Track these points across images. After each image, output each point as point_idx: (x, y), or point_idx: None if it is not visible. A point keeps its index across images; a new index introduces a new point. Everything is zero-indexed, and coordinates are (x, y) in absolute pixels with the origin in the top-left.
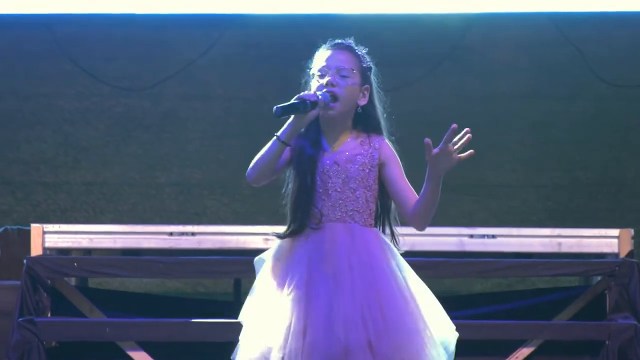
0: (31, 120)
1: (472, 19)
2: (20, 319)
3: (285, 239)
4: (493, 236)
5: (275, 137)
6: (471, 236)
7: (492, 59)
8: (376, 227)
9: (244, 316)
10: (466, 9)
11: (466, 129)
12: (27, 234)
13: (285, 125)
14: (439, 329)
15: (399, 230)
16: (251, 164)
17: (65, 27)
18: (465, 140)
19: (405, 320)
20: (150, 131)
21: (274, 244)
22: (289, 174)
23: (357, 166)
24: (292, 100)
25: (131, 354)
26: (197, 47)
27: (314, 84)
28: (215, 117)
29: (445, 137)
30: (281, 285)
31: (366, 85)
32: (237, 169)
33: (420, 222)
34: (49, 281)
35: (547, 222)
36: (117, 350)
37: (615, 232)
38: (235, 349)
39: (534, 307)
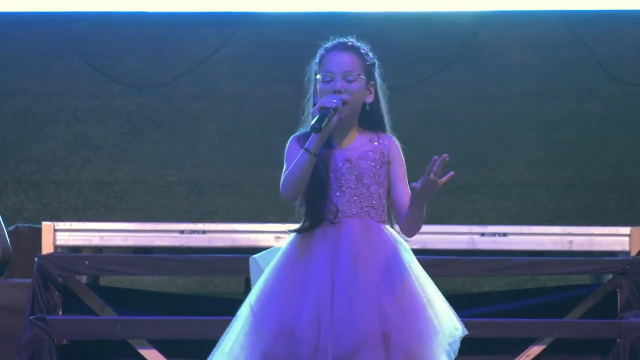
0: (43, 118)
1: (483, 18)
2: (31, 317)
3: (301, 235)
4: (504, 234)
5: (305, 151)
6: (482, 234)
7: (503, 57)
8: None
9: (249, 305)
10: (478, 7)
11: (443, 155)
12: (38, 232)
13: (311, 138)
14: (447, 326)
15: None
16: (283, 182)
17: (77, 25)
18: (441, 164)
19: (420, 314)
20: (161, 130)
21: (284, 241)
22: None
23: (369, 162)
24: (319, 113)
25: (142, 352)
26: (208, 46)
27: (321, 88)
28: (226, 116)
29: (427, 169)
30: (301, 278)
31: (372, 82)
32: (248, 167)
33: (407, 232)
34: (60, 279)
35: (559, 221)
36: (128, 348)
37: (626, 230)
38: (238, 333)
39: (545, 305)
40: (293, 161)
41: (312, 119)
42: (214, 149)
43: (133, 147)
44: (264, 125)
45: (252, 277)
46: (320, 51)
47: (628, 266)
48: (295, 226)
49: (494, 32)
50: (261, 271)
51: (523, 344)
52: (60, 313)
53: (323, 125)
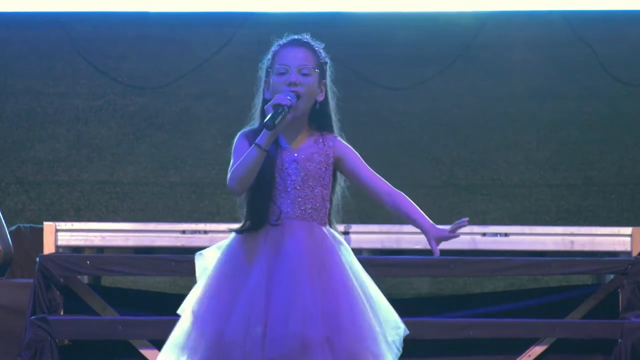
0: (45, 119)
1: (485, 18)
2: (33, 317)
3: (242, 235)
4: (505, 234)
5: (256, 146)
6: (484, 234)
7: (505, 57)
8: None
9: (189, 306)
10: (479, 7)
11: (465, 219)
12: (39, 232)
13: (262, 133)
14: (389, 326)
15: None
16: (231, 176)
17: (79, 26)
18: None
19: (361, 316)
20: (163, 130)
21: (227, 239)
22: None
23: (315, 164)
24: (274, 110)
25: (144, 352)
26: (210, 46)
27: (274, 81)
28: (228, 116)
29: (453, 227)
30: (239, 279)
31: (323, 80)
32: None
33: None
34: (62, 279)
35: (561, 221)
36: (130, 349)
37: (628, 230)
38: (180, 334)
39: (547, 306)
40: (241, 156)
41: (266, 115)
42: (216, 150)
43: (135, 148)
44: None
45: (198, 273)
46: (273, 47)
47: (630, 266)
48: (236, 226)
49: (496, 32)
50: (206, 268)
51: (525, 344)
52: (61, 313)
53: (277, 122)
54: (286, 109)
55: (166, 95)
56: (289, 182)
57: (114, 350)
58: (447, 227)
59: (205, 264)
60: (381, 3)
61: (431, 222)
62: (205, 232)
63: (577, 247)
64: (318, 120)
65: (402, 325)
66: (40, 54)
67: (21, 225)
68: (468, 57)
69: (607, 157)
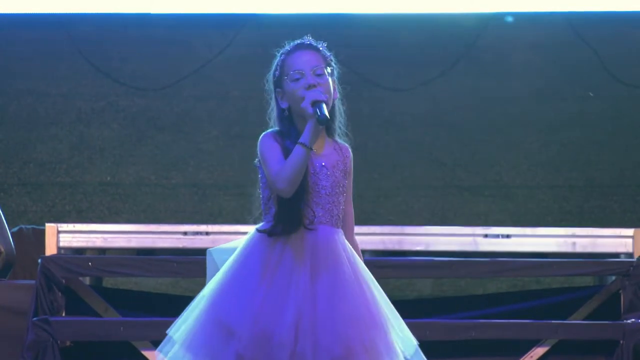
0: (47, 120)
1: (487, 19)
2: (34, 319)
3: (270, 237)
4: (507, 236)
5: (301, 145)
6: (485, 236)
7: (507, 59)
8: None
9: (210, 303)
10: (481, 8)
11: None
12: (41, 234)
13: (305, 131)
14: (406, 342)
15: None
16: (282, 178)
17: (81, 26)
18: None
19: (388, 327)
20: (165, 131)
21: (243, 238)
22: (261, 175)
23: (339, 172)
24: (316, 106)
25: (145, 353)
26: (212, 47)
27: (292, 88)
28: (230, 117)
29: None
30: (282, 283)
31: (333, 78)
32: (252, 169)
33: None
34: (64, 280)
35: (563, 223)
36: (132, 350)
37: (629, 231)
38: (186, 330)
39: (549, 307)
40: (278, 156)
41: (310, 112)
42: (218, 151)
43: (137, 149)
44: (268, 127)
45: (208, 270)
46: (279, 57)
47: (631, 268)
48: (266, 227)
49: (498, 33)
50: (216, 266)
51: (527, 345)
52: (63, 314)
53: (328, 114)
54: (326, 103)
55: (168, 96)
56: (320, 187)
57: (116, 351)
58: (450, 228)
59: (217, 262)
60: (383, 4)
61: None
62: (207, 233)
63: (579, 249)
64: (330, 125)
65: (413, 339)
66: (42, 55)
67: (23, 226)
68: (470, 58)
69: (609, 159)
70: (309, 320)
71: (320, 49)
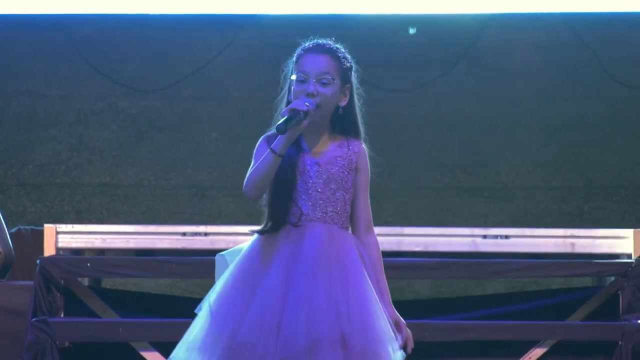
0: (46, 121)
1: (487, 20)
2: (33, 320)
3: (264, 236)
4: (506, 237)
5: (271, 151)
6: (484, 237)
7: (507, 60)
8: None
9: (208, 305)
10: (482, 9)
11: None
12: (40, 234)
13: (278, 138)
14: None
15: (411, 230)
16: (246, 181)
17: (80, 28)
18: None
19: (376, 318)
20: (165, 132)
21: (248, 241)
22: None
23: (337, 168)
24: (288, 114)
25: (144, 354)
26: (212, 48)
27: (294, 88)
28: (230, 118)
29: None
30: (256, 279)
31: (347, 85)
32: None
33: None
34: (62, 281)
35: (562, 224)
36: (131, 351)
37: (628, 232)
38: (195, 334)
39: (547, 308)
40: (257, 161)
41: (281, 119)
42: (217, 152)
43: (136, 150)
44: (267, 128)
45: (216, 274)
46: (298, 50)
47: (630, 268)
48: (258, 227)
49: (498, 34)
50: (226, 269)
51: (525, 346)
52: (62, 315)
53: (289, 126)
54: (302, 115)
55: (168, 97)
56: (310, 184)
57: (115, 352)
58: (449, 229)
59: (226, 265)
60: (383, 5)
61: (390, 300)
62: (206, 234)
63: (578, 250)
64: (341, 124)
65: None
66: (42, 56)
67: (22, 227)
68: (470, 59)
69: (608, 160)
70: (271, 317)
71: (339, 55)
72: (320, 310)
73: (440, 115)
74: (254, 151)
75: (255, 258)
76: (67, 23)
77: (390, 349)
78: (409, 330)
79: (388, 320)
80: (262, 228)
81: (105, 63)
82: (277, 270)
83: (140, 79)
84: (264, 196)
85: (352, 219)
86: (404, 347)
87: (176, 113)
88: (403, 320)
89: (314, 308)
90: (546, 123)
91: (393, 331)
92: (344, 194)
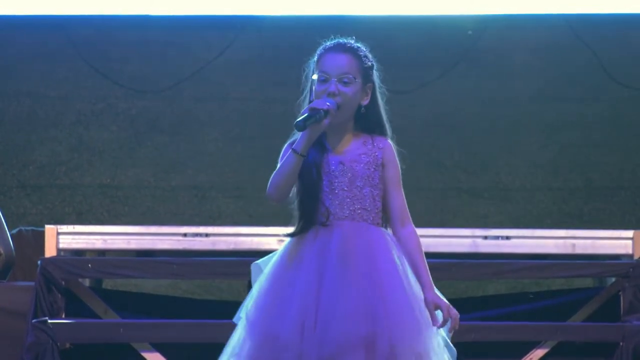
0: (46, 122)
1: (487, 21)
2: (34, 320)
3: (295, 238)
4: (507, 237)
5: (292, 152)
6: (485, 237)
7: (507, 61)
8: (383, 226)
9: (245, 312)
10: (481, 10)
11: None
12: (41, 235)
13: (299, 138)
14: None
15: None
16: (270, 183)
17: (80, 29)
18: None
19: (406, 314)
20: (165, 133)
21: (281, 246)
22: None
23: (362, 165)
24: (308, 112)
25: (145, 355)
26: (212, 49)
27: (316, 88)
28: (230, 119)
29: (443, 324)
30: (289, 281)
31: (369, 84)
32: (252, 171)
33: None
34: (63, 282)
35: (563, 225)
36: (132, 352)
37: (629, 233)
38: (235, 342)
39: (548, 309)
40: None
41: (300, 117)
42: (217, 153)
43: (137, 151)
44: (268, 129)
45: (253, 283)
46: (319, 50)
47: (631, 269)
48: (291, 230)
49: (498, 35)
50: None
51: (526, 347)
52: (63, 316)
53: (307, 124)
54: (322, 113)
55: (168, 98)
56: (336, 183)
57: (116, 353)
58: (449, 230)
59: (261, 273)
60: (383, 6)
61: (431, 285)
62: (207, 235)
63: (578, 250)
64: (365, 122)
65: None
66: (42, 57)
67: (23, 228)
68: (470, 60)
69: (609, 160)
70: (311, 319)
71: (360, 54)
72: (347, 312)
73: (440, 116)
74: (279, 157)
75: (288, 261)
76: (67, 24)
77: (423, 339)
78: (454, 311)
79: (421, 309)
80: (294, 231)
81: (105, 64)
82: (309, 271)
83: (140, 80)
84: (294, 199)
85: (386, 213)
86: (444, 327)
87: (176, 114)
88: (446, 302)
89: (341, 310)
90: (546, 123)
91: (431, 316)
92: (372, 190)
